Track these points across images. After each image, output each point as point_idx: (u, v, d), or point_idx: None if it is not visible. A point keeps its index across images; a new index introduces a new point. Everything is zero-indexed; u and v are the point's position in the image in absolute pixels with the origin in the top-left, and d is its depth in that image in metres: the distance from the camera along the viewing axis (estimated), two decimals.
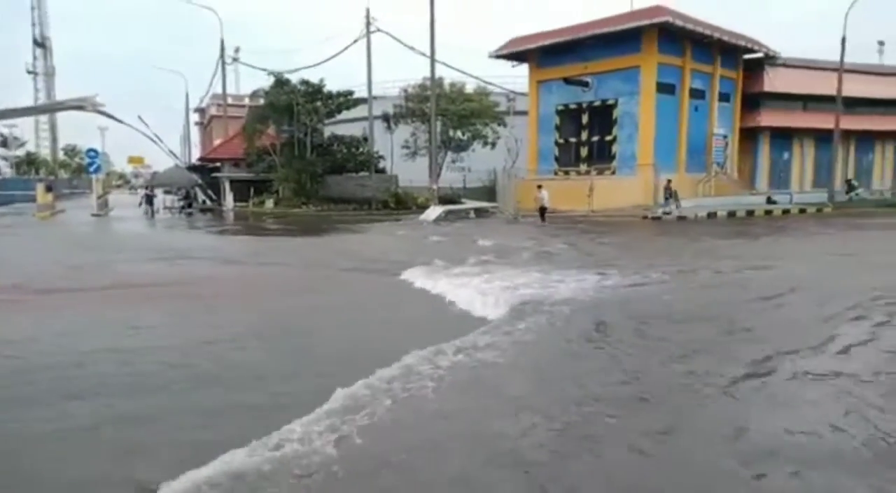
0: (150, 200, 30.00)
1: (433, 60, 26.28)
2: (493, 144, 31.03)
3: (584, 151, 28.97)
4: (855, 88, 29.01)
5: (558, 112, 29.57)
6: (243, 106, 42.86)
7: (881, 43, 58.50)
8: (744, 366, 5.19)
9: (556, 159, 29.92)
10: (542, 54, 29.35)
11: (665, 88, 26.87)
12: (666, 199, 22.89)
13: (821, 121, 29.79)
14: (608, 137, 28.08)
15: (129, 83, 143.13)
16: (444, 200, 27.67)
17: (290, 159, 30.73)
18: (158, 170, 48.20)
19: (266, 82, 32.44)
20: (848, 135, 31.65)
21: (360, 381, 4.76)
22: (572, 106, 28.97)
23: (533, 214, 22.54)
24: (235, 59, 41.89)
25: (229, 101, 41.80)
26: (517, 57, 30.48)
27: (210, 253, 14.82)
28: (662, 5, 25.05)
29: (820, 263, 11.88)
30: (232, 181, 34.29)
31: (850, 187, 29.05)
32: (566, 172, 29.14)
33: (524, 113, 31.70)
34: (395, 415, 4.23)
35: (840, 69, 27.08)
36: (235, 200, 33.57)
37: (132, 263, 12.82)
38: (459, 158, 32.37)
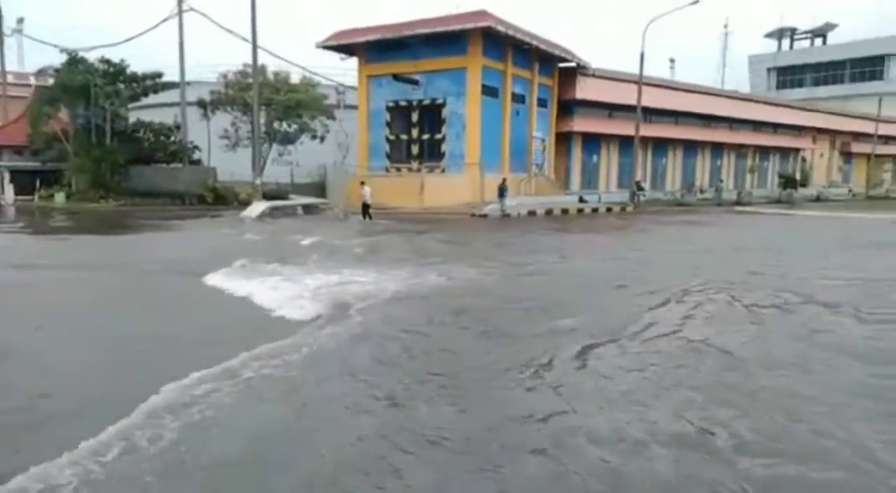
0: None
1: (255, 46, 24.61)
2: (322, 138, 29.97)
3: (415, 149, 29.05)
4: (652, 99, 32.47)
5: (389, 108, 29.32)
6: (28, 85, 36.93)
7: (672, 60, 67.27)
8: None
9: (388, 156, 29.67)
10: (371, 49, 28.89)
11: (489, 91, 27.83)
12: (501, 197, 23.72)
13: (624, 128, 32.94)
14: (438, 136, 28.43)
15: None
16: (269, 196, 26.08)
17: (87, 147, 27.00)
18: None
19: (57, 60, 28.25)
20: (646, 141, 35.39)
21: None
22: (403, 103, 28.90)
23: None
24: (18, 31, 36.00)
25: (10, 79, 35.86)
26: (346, 50, 29.70)
27: None
28: (486, 11, 25.82)
29: (633, 256, 12.80)
30: (13, 172, 29.35)
31: (638, 188, 32.04)
32: (398, 169, 29.01)
33: (354, 107, 31.01)
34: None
35: (639, 82, 30.07)
36: (17, 193, 28.78)
37: None
38: (286, 151, 30.81)
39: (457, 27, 25.77)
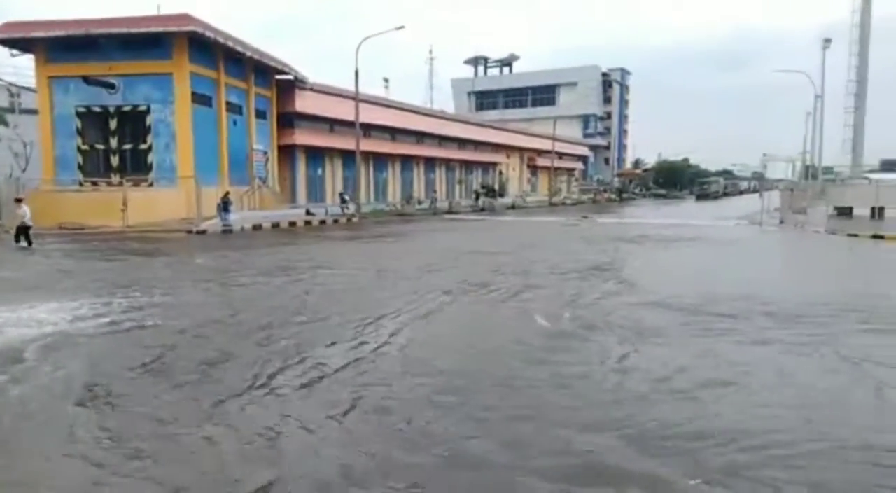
0: None
1: None
2: None
3: (115, 160, 25.98)
4: (370, 115, 34.18)
5: (80, 114, 25.73)
6: None
7: (386, 80, 71.90)
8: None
9: (81, 168, 25.98)
10: (54, 46, 25.03)
11: (201, 99, 26.32)
12: (225, 211, 22.45)
13: (345, 142, 33.99)
14: (143, 146, 25.88)
15: None
16: None
17: None
18: None
19: None
20: (367, 155, 37.02)
21: None
22: (97, 109, 25.63)
23: (60, 233, 18.99)
24: None
25: None
26: (19, 45, 25.25)
27: None
28: (191, 15, 24.36)
29: (371, 264, 13.27)
30: None
31: (342, 200, 32.36)
32: (94, 183, 25.57)
33: (34, 112, 26.50)
34: None
35: (356, 98, 31.34)
36: None
37: None
38: None
39: (157, 29, 23.91)
